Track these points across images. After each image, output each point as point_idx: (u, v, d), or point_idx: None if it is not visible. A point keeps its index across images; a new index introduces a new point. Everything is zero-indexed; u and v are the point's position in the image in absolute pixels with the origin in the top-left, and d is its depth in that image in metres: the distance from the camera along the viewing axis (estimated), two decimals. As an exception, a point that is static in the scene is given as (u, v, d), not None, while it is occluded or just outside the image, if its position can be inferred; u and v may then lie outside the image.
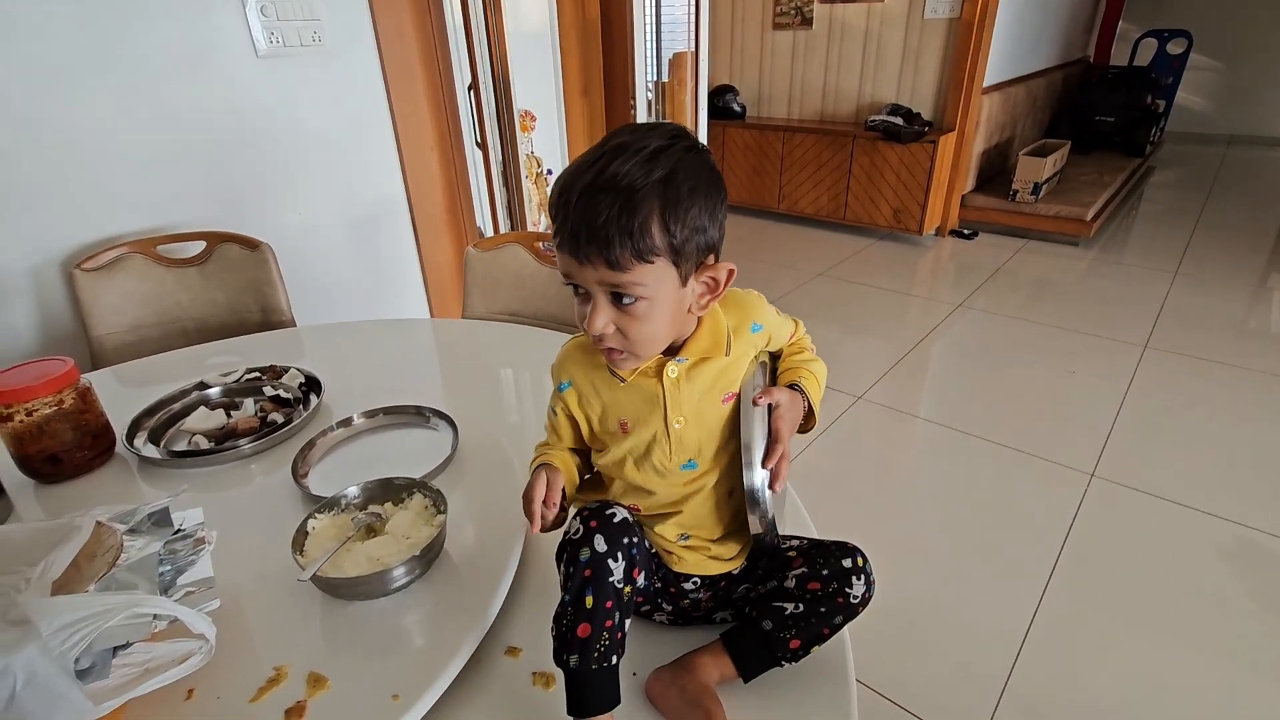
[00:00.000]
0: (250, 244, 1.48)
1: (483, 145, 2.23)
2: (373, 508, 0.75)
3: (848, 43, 3.79)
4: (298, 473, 0.84)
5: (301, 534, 0.70)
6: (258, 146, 1.64)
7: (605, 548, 0.54)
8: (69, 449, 0.86)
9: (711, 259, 0.57)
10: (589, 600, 0.53)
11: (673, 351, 0.61)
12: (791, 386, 0.65)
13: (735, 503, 0.65)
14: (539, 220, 2.72)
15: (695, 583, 0.65)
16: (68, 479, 0.88)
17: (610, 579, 0.53)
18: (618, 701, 0.54)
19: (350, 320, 1.48)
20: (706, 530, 0.65)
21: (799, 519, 0.80)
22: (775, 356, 0.71)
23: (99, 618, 0.51)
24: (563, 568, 0.56)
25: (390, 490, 0.76)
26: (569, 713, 0.54)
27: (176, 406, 1.00)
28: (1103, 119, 4.63)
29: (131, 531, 0.63)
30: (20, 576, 0.57)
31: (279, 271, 1.49)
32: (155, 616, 0.54)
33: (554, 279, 1.41)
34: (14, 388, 0.82)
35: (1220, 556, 1.61)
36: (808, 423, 0.66)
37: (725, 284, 0.58)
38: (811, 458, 2.01)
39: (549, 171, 2.89)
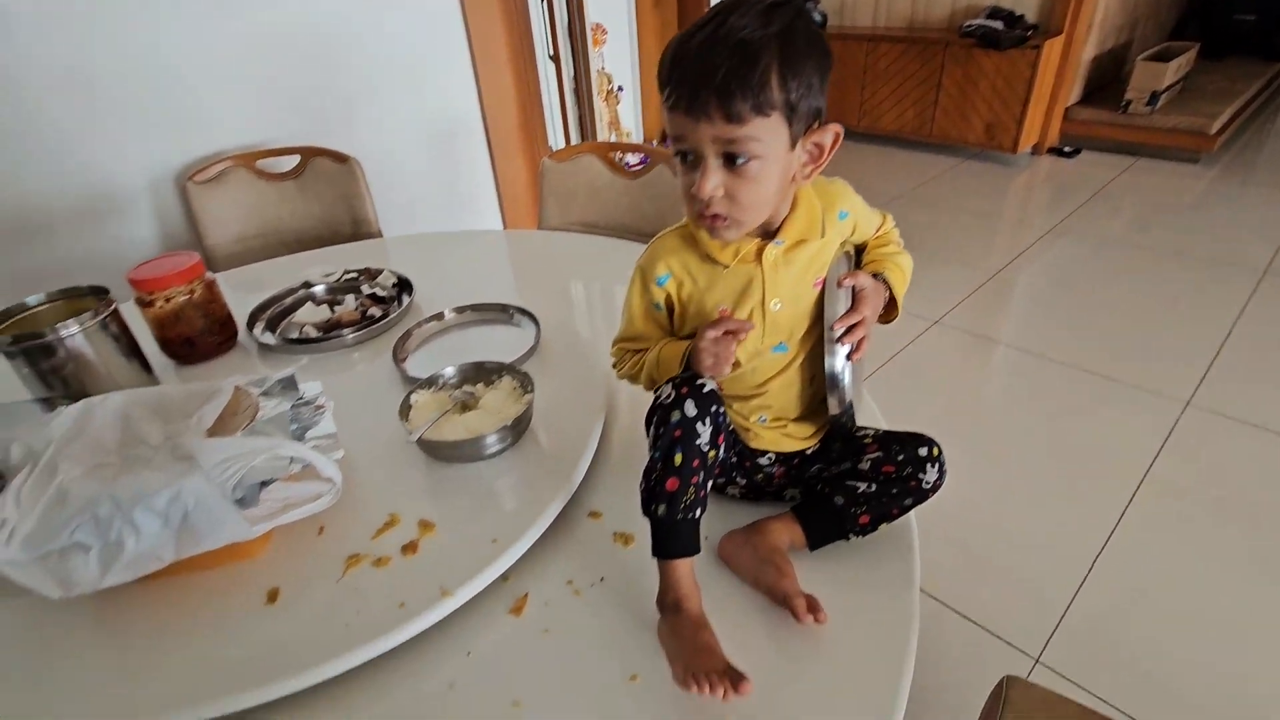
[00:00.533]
0: (340, 158, 1.55)
1: (555, 58, 2.21)
2: (466, 387, 0.82)
3: (945, -63, 3.46)
4: (397, 357, 0.92)
5: (406, 406, 0.77)
6: (339, 64, 1.69)
7: (695, 412, 0.57)
8: (201, 334, 0.97)
9: (817, 124, 0.56)
10: (677, 458, 0.57)
11: (769, 237, 0.62)
12: (875, 276, 0.66)
13: (816, 388, 0.68)
14: (610, 137, 2.70)
15: (770, 458, 0.68)
16: (201, 361, 0.99)
17: (697, 441, 0.57)
18: (698, 550, 0.59)
19: (430, 232, 1.54)
20: (786, 412, 0.68)
21: (873, 422, 0.81)
22: (861, 251, 0.71)
23: (248, 456, 0.60)
24: (653, 429, 0.60)
25: (482, 372, 0.83)
26: (654, 554, 0.59)
27: (288, 301, 1.10)
28: (1241, 18, 4.08)
29: (265, 394, 0.72)
30: (181, 425, 0.66)
31: (366, 185, 1.56)
32: (291, 460, 0.63)
33: (627, 190, 1.42)
34: (154, 277, 0.92)
35: (1325, 489, 1.51)
36: (890, 313, 0.67)
37: (830, 150, 0.58)
38: (885, 380, 1.99)
39: (620, 89, 2.84)
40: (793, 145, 0.55)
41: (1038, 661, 1.24)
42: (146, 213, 1.53)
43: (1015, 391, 1.94)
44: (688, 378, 0.59)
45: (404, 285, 1.12)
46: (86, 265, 1.48)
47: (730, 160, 0.54)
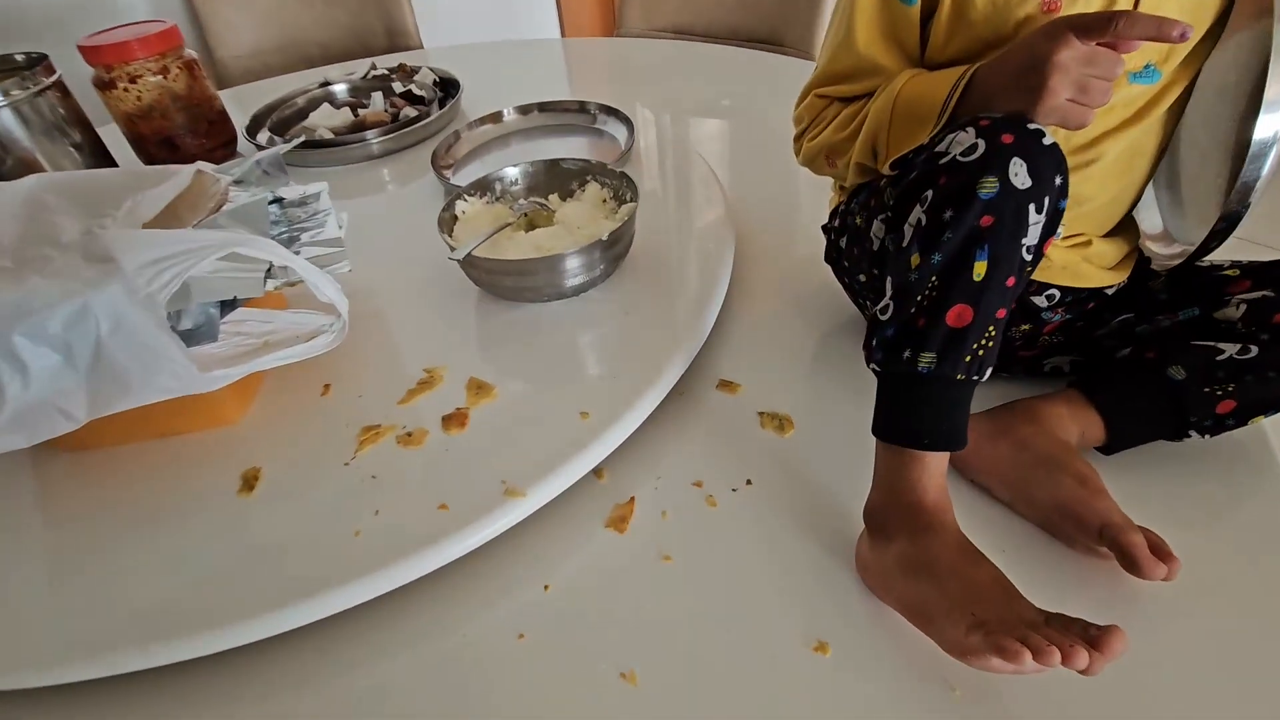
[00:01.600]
0: (369, -55, 1.23)
1: None
2: (536, 198, 0.56)
3: None
4: (438, 164, 0.66)
5: (450, 217, 0.52)
6: None
7: (1029, 183, 0.30)
8: (182, 134, 0.73)
9: None
10: (980, 267, 0.31)
11: None
12: None
13: (1158, 165, 0.39)
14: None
15: (1051, 296, 0.41)
16: (189, 171, 0.76)
17: (1023, 240, 0.31)
18: (965, 441, 0.34)
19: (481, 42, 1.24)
20: (1100, 219, 0.40)
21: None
22: None
23: (191, 255, 0.36)
24: (922, 210, 0.32)
25: (558, 176, 0.56)
26: (880, 433, 0.35)
27: (300, 102, 0.84)
28: None
29: (238, 183, 0.48)
30: (108, 217, 0.43)
31: (403, -19, 1.25)
32: (269, 270, 0.39)
33: (737, -23, 1.07)
34: (110, 44, 0.67)
35: None
36: None
37: None
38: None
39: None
40: None
41: None
42: (142, 15, 1.27)
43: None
44: (1007, 119, 0.31)
45: (448, 85, 0.85)
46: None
47: None
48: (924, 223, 0.32)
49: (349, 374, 0.46)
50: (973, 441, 0.39)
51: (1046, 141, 0.30)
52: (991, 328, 0.31)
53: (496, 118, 0.74)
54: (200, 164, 0.49)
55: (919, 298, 0.32)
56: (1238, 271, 0.39)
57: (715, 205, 0.59)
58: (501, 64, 1.08)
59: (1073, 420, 0.38)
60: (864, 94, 0.40)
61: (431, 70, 0.87)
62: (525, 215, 0.53)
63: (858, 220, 0.44)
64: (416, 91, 0.82)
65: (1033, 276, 0.39)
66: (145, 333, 0.36)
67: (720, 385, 0.48)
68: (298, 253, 0.44)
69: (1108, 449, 0.39)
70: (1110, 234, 0.41)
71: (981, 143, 0.30)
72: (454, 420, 0.42)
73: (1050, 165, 0.30)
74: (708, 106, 0.87)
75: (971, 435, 0.39)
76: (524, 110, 0.75)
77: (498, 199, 0.56)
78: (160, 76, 0.70)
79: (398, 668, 0.35)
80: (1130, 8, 0.34)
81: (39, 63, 0.65)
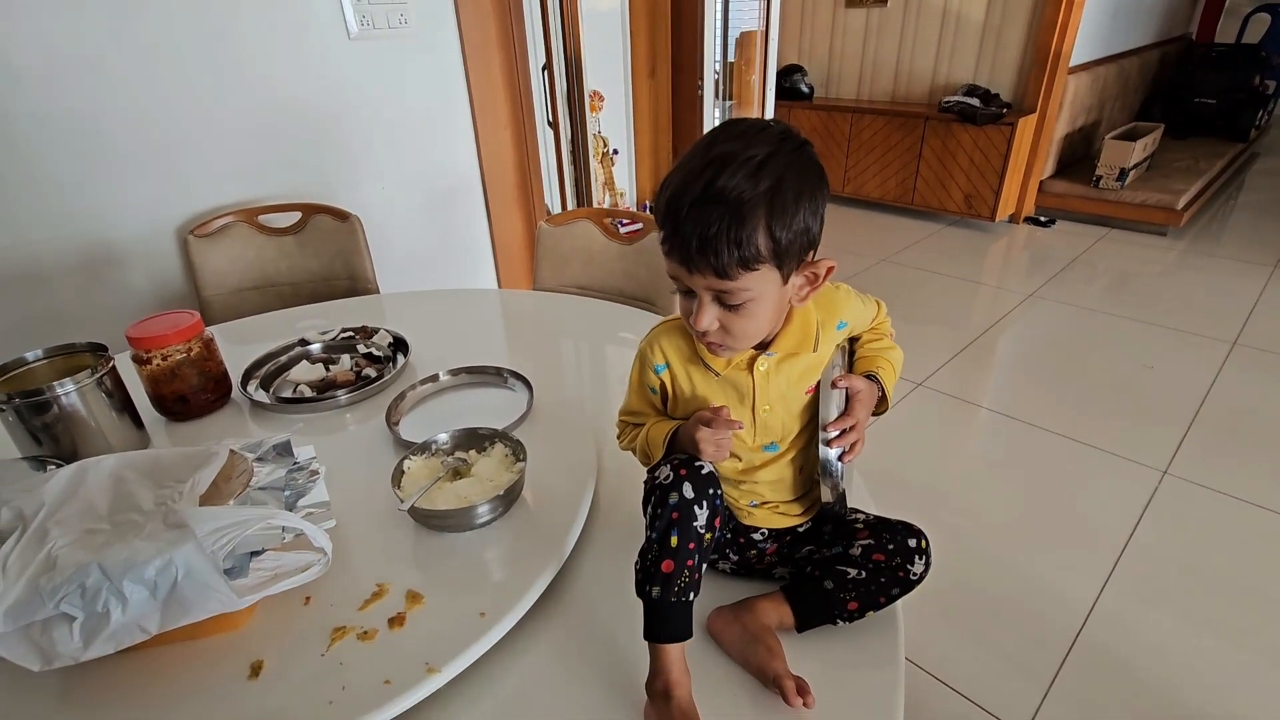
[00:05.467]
0: (341, 215, 1.59)
1: (554, 125, 2.30)
2: (459, 454, 0.82)
3: (924, 20, 3.67)
4: (390, 420, 0.93)
5: (398, 472, 0.78)
6: (346, 123, 1.75)
7: (693, 495, 0.58)
8: (195, 391, 0.97)
9: (812, 255, 0.58)
10: (674, 540, 0.57)
11: (763, 346, 0.64)
12: (869, 376, 0.68)
13: (807, 475, 0.69)
14: (604, 199, 2.78)
15: (763, 534, 0.69)
16: (193, 418, 0.99)
17: (695, 524, 0.58)
18: (690, 634, 0.59)
19: (427, 289, 1.57)
20: (778, 497, 0.70)
21: (861, 501, 0.83)
22: (854, 340, 0.73)
23: (241, 526, 0.60)
24: (650, 509, 0.60)
25: (475, 439, 0.84)
26: (645, 637, 0.59)
27: (283, 359, 1.10)
28: (1203, 101, 4.33)
29: (259, 460, 0.72)
30: (174, 490, 0.66)
31: (366, 242, 1.59)
32: (284, 529, 0.63)
33: (621, 255, 1.46)
34: (153, 335, 0.93)
35: (1301, 562, 1.53)
36: (880, 406, 0.69)
37: (824, 278, 0.60)
38: (869, 443, 2.01)
39: (615, 151, 2.94)
40: (785, 280, 0.57)
41: (1025, 737, 1.22)
42: (144, 264, 1.55)
43: (998, 457, 1.96)
44: (686, 459, 0.60)
45: (400, 345, 1.14)
46: (80, 315, 1.49)
47: (724, 297, 0.57)
48: (649, 514, 0.60)
49: (325, 588, 0.68)
50: (722, 624, 0.65)
51: (704, 471, 0.59)
52: (686, 572, 0.58)
53: (434, 379, 1.03)
54: (231, 444, 0.73)
55: (649, 556, 0.59)
56: (861, 524, 0.68)
57: (584, 453, 0.86)
58: (443, 311, 1.40)
59: (775, 611, 0.65)
60: (641, 422, 0.70)
61: (388, 331, 1.16)
62: (451, 470, 0.79)
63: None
64: (375, 353, 1.11)
65: (747, 523, 0.68)
66: (207, 575, 0.58)
67: (580, 585, 0.73)
68: (297, 510, 0.68)
69: (799, 630, 0.65)
70: (794, 500, 0.70)
71: (671, 474, 0.59)
72: (396, 621, 0.65)
73: (706, 484, 0.59)
74: (601, 345, 1.20)
75: (723, 619, 0.65)
76: (454, 373, 1.04)
77: (433, 455, 0.82)
78: (185, 354, 0.96)
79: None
80: (752, 416, 0.65)
81: (101, 351, 0.89)
